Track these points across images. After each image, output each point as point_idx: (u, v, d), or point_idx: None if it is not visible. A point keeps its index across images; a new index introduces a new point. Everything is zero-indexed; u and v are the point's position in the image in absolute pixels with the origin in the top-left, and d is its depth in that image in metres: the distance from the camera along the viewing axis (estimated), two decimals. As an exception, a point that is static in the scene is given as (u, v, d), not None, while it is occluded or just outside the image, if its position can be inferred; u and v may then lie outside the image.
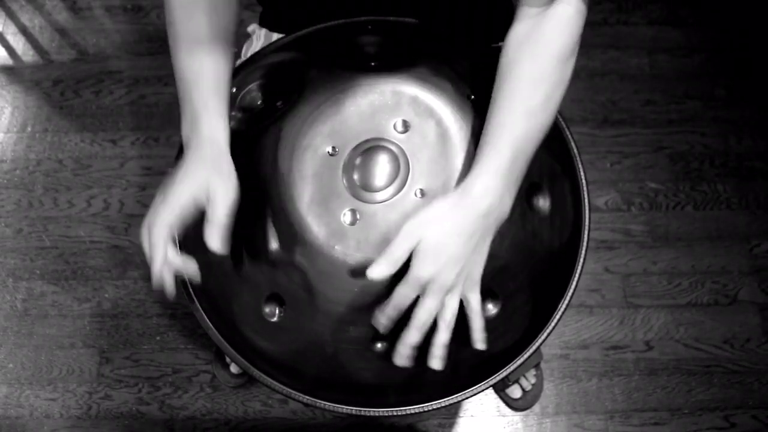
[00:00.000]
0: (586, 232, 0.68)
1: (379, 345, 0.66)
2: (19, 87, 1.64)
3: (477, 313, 0.60)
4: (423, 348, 0.60)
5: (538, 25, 0.61)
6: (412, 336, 0.58)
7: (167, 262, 0.60)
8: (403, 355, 0.59)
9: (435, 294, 0.57)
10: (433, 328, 0.59)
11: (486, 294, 0.67)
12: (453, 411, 1.31)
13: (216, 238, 0.60)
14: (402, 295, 0.58)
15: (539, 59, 0.61)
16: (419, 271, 0.57)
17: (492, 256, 0.65)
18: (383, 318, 0.59)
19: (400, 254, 0.57)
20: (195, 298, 0.68)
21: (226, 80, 0.67)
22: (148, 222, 0.62)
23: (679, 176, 1.49)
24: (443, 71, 0.72)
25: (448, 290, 0.58)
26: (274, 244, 0.67)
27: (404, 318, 0.60)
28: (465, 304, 0.60)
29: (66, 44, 1.68)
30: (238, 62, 0.79)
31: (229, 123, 0.66)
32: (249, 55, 0.83)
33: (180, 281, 0.65)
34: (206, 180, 0.61)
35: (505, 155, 0.58)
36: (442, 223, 0.58)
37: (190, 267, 0.63)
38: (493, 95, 0.62)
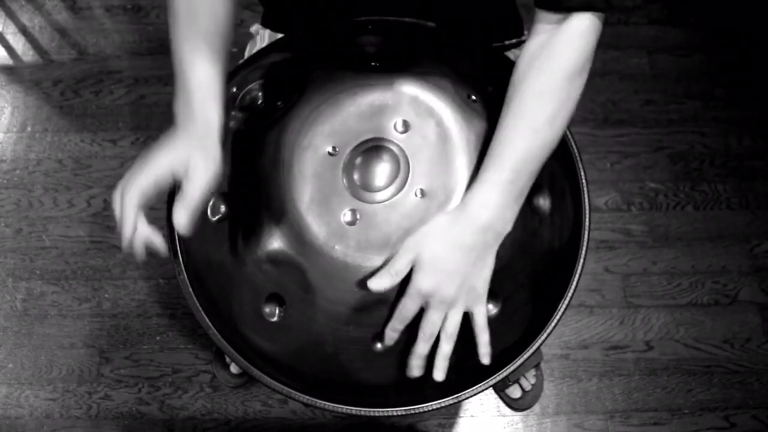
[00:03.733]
0: (586, 232, 0.68)
1: (379, 345, 0.66)
2: (19, 87, 1.64)
3: (482, 327, 0.61)
4: (429, 357, 0.61)
5: (550, 41, 0.61)
6: (421, 348, 0.60)
7: (137, 229, 0.59)
8: (415, 366, 0.61)
9: (437, 307, 0.59)
10: (437, 340, 0.61)
11: (486, 296, 0.67)
12: (453, 411, 1.31)
13: (182, 214, 0.58)
14: (405, 308, 0.60)
15: (546, 76, 0.60)
16: (419, 283, 0.58)
17: (492, 256, 0.65)
18: (389, 330, 0.61)
19: (401, 267, 0.59)
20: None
21: (224, 61, 0.66)
22: (122, 186, 0.60)
23: (679, 176, 1.49)
24: (443, 71, 0.72)
25: (451, 303, 0.59)
26: (274, 244, 0.67)
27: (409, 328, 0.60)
28: (470, 317, 0.61)
29: (66, 44, 1.68)
30: (239, 62, 0.79)
31: (226, 116, 0.66)
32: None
33: (168, 238, 0.64)
34: (188, 155, 0.60)
35: (507, 170, 0.59)
36: (441, 237, 0.59)
37: (156, 240, 0.61)
38: (502, 111, 0.62)
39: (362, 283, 0.64)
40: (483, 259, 0.60)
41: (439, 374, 0.60)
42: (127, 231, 0.59)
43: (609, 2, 0.59)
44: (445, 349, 0.60)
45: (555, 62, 0.60)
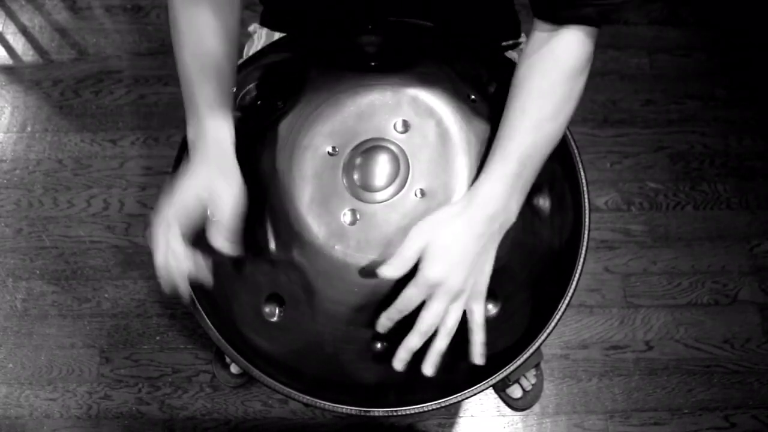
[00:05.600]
0: (586, 232, 0.68)
1: (379, 345, 0.66)
2: (19, 87, 1.64)
3: (479, 325, 0.60)
4: (418, 354, 0.59)
5: (549, 44, 0.63)
6: (413, 340, 0.59)
7: (176, 259, 0.61)
8: (403, 360, 0.59)
9: (442, 298, 0.58)
10: (432, 334, 0.59)
11: (486, 294, 0.67)
12: (453, 411, 1.31)
13: (220, 238, 0.61)
14: (408, 297, 0.58)
15: (548, 75, 0.62)
16: (429, 272, 0.57)
17: (492, 257, 0.65)
18: (384, 318, 0.59)
19: (411, 254, 0.58)
20: (197, 302, 0.68)
21: (230, 80, 0.67)
22: (153, 221, 0.62)
23: (679, 176, 1.49)
24: (443, 71, 0.72)
25: (455, 295, 0.58)
26: (274, 244, 0.67)
27: (405, 321, 0.60)
28: (468, 314, 0.60)
29: (66, 44, 1.68)
30: (239, 62, 0.79)
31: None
32: (250, 54, 0.83)
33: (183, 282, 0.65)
34: (210, 180, 0.61)
35: (512, 162, 0.60)
36: (451, 225, 0.58)
37: (200, 267, 0.62)
38: (504, 111, 0.63)
39: (366, 272, 0.64)
40: (488, 251, 0.60)
41: (431, 369, 0.59)
42: (158, 260, 0.61)
43: (603, 16, 0.62)
44: (442, 344, 0.59)
45: (556, 63, 0.62)
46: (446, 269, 0.57)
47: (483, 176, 0.61)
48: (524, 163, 0.60)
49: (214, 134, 0.63)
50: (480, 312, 0.60)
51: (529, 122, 0.61)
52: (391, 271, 0.58)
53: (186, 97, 0.66)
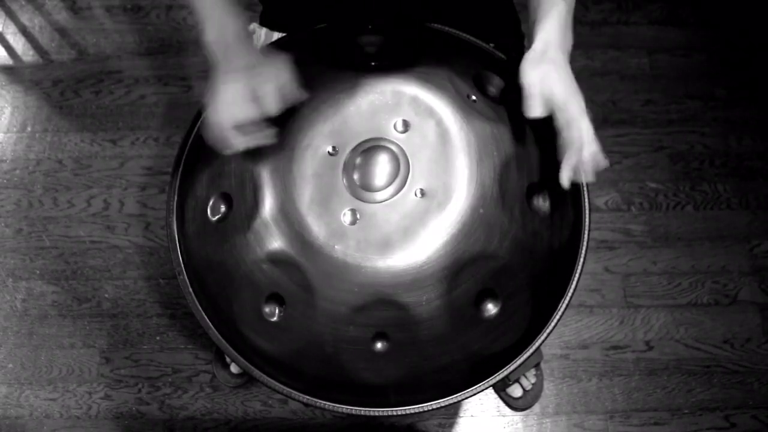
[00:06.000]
0: (586, 232, 0.68)
1: (379, 345, 0.66)
2: (19, 87, 1.64)
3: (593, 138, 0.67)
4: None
5: None
6: (575, 158, 0.65)
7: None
8: (569, 178, 0.65)
9: (583, 114, 0.66)
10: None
11: (486, 294, 0.67)
12: (453, 411, 1.31)
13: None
14: (579, 135, 0.65)
15: None
16: (575, 106, 0.65)
17: (492, 256, 0.66)
18: (567, 170, 0.65)
19: (538, 91, 0.65)
20: (183, 267, 0.69)
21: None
22: (210, 123, 0.66)
23: (679, 176, 1.49)
24: (443, 71, 0.72)
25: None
26: (274, 244, 0.67)
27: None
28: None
29: (66, 44, 1.68)
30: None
31: None
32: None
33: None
34: (247, 79, 0.65)
35: (561, 3, 0.68)
36: (548, 60, 0.66)
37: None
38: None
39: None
40: (572, 75, 0.67)
41: (591, 174, 0.66)
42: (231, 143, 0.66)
43: None
44: (594, 149, 0.66)
45: None
46: (577, 100, 0.65)
47: (545, 24, 0.67)
48: (570, 7, 0.69)
49: (234, 28, 0.67)
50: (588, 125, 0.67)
51: None
52: (537, 109, 0.65)
53: (199, 8, 0.68)
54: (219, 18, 0.67)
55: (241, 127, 0.66)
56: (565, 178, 0.65)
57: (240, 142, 0.66)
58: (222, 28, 0.67)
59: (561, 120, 0.65)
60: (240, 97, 0.65)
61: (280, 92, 0.66)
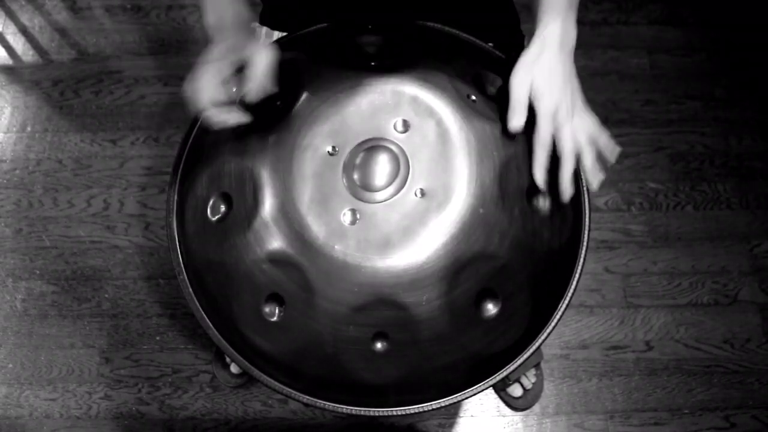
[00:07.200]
0: (586, 232, 0.68)
1: (379, 345, 0.66)
2: (19, 87, 1.64)
3: (600, 130, 0.67)
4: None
5: None
6: (569, 167, 0.65)
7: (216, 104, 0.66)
8: (569, 189, 0.66)
9: (566, 121, 0.65)
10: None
11: (486, 294, 0.67)
12: (453, 411, 1.31)
13: (254, 94, 0.67)
14: (545, 135, 0.65)
15: None
16: (547, 102, 0.65)
17: (492, 256, 0.65)
18: (539, 170, 0.65)
19: (523, 99, 0.66)
20: (183, 270, 0.70)
21: None
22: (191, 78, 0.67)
23: (679, 176, 1.49)
24: (443, 71, 0.72)
25: (571, 113, 0.65)
26: (274, 244, 0.67)
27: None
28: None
29: (66, 44, 1.68)
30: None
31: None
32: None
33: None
34: (239, 46, 0.67)
35: (564, 3, 0.67)
36: (541, 64, 0.66)
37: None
38: None
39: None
40: (571, 71, 0.67)
41: (596, 182, 0.67)
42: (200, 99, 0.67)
43: None
44: (591, 156, 0.66)
45: None
46: (557, 94, 0.65)
47: (544, 18, 0.67)
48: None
49: (233, 13, 0.69)
50: (592, 121, 0.67)
51: None
52: (517, 119, 0.66)
53: None
54: (220, 2, 0.70)
55: (217, 105, 0.67)
56: (538, 177, 0.66)
57: (213, 117, 0.68)
58: (222, 12, 0.69)
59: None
60: (216, 75, 0.67)
61: (255, 79, 0.67)
